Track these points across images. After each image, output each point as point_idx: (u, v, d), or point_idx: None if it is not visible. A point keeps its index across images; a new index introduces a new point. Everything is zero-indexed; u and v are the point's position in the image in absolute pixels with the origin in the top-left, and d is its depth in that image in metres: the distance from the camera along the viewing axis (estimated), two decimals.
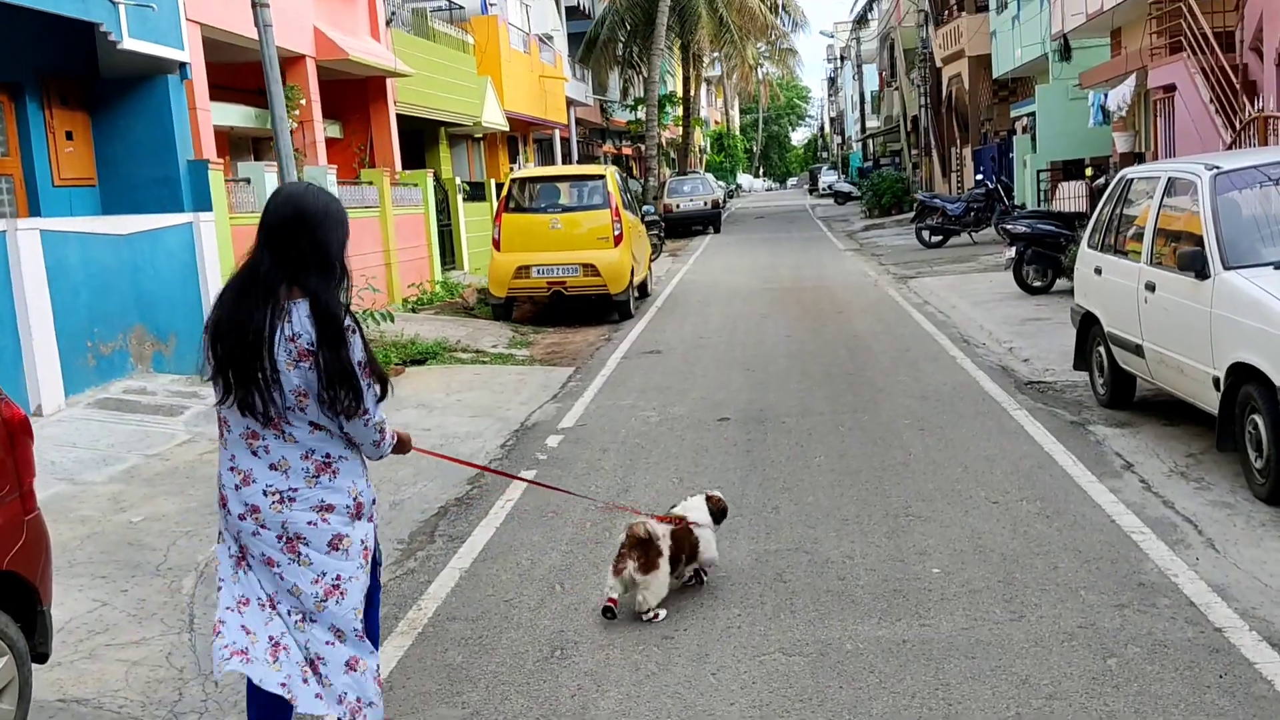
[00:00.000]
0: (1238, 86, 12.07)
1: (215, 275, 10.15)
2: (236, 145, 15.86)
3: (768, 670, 4.01)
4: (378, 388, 3.33)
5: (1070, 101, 21.77)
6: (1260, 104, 10.28)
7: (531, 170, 15.11)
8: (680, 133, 45.56)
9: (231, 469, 3.23)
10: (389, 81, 17.32)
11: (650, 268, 17.25)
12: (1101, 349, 7.69)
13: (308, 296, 3.16)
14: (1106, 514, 5.41)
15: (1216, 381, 5.79)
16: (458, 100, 20.59)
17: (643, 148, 35.81)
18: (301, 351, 3.11)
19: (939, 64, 33.45)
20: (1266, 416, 5.29)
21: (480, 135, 24.63)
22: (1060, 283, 13.44)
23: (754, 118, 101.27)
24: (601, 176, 14.26)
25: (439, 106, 19.64)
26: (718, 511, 4.91)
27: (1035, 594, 4.50)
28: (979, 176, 21.56)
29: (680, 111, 44.88)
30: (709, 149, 74.49)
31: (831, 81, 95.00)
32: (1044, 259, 13.32)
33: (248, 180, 11.68)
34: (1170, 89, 14.54)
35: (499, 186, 18.30)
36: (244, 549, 3.25)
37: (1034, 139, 23.17)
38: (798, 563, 5.03)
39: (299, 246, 3.18)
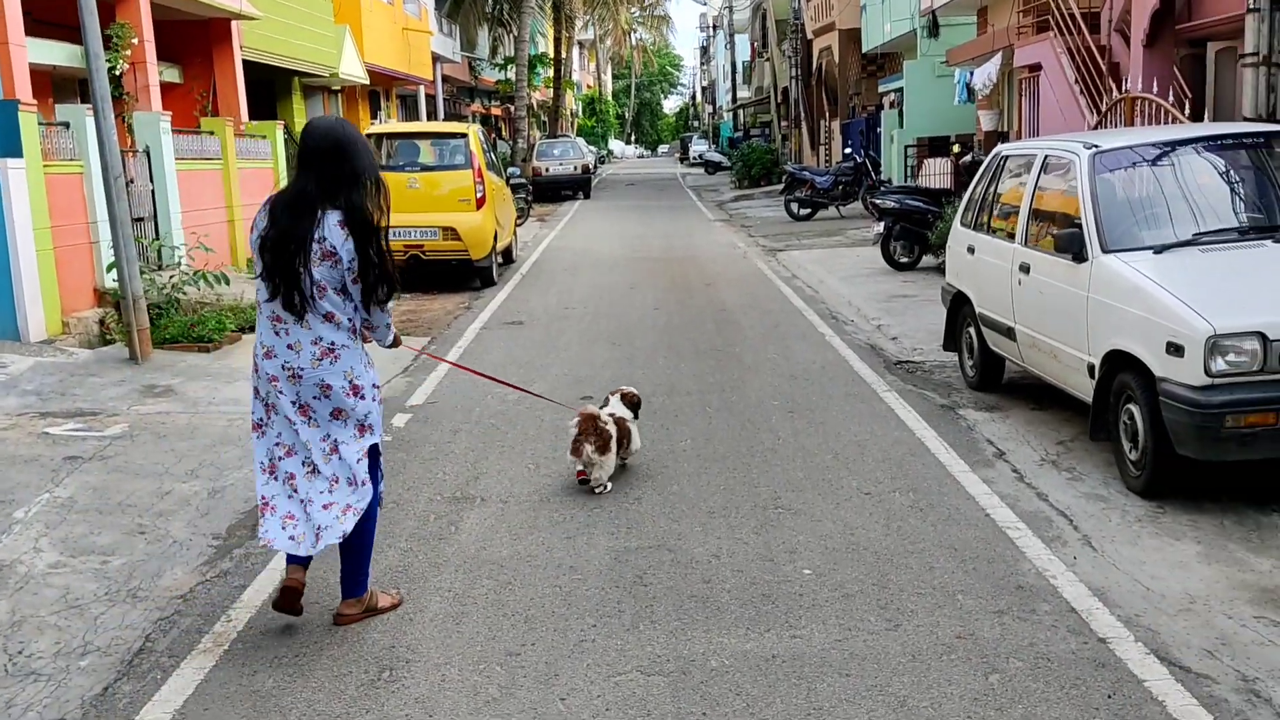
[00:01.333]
0: (1103, 68, 12.16)
1: (26, 227, 9.11)
2: (62, 88, 14.52)
3: (624, 694, 3.57)
4: (391, 279, 3.97)
5: (937, 79, 21.97)
6: (1127, 85, 10.32)
7: (389, 125, 14.29)
8: (551, 95, 44.68)
9: (260, 342, 3.99)
10: (234, 24, 16.10)
11: (516, 233, 16.61)
12: (972, 330, 7.51)
13: (340, 209, 3.82)
14: (980, 507, 5.16)
15: (1091, 369, 5.61)
16: (312, 49, 19.42)
17: (512, 108, 34.85)
18: (325, 252, 3.80)
19: (810, 36, 33.52)
20: (1143, 407, 5.11)
21: (338, 88, 23.41)
22: (927, 259, 13.43)
23: (626, 83, 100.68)
24: (464, 135, 13.53)
25: (291, 55, 18.47)
26: (633, 405, 6.02)
27: (911, 599, 4.19)
28: (847, 150, 21.59)
29: (551, 73, 43.99)
30: (581, 113, 73.62)
31: (704, 50, 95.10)
32: (911, 235, 13.26)
33: (66, 125, 10.56)
34: (1036, 68, 14.65)
35: None
36: (269, 406, 4.01)
37: (901, 115, 23.34)
38: (660, 563, 4.61)
39: (340, 170, 3.82)
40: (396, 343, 4.43)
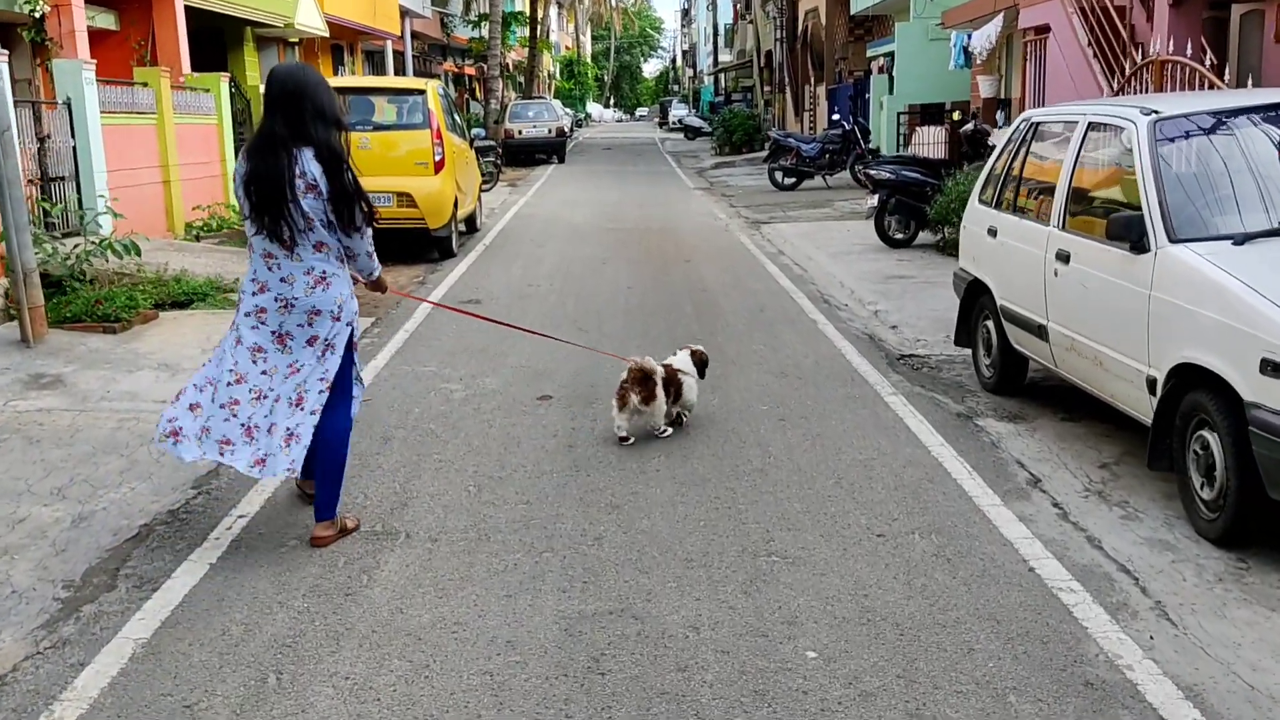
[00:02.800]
0: (1121, 29, 11.13)
1: None
2: None
3: None
4: (364, 206, 4.28)
5: (930, 42, 20.83)
6: (1156, 48, 9.30)
7: (339, 80, 13.05)
8: (527, 55, 43.20)
9: (253, 279, 4.24)
10: None
11: (480, 199, 15.46)
12: (990, 325, 6.52)
13: (311, 145, 4.11)
14: (1021, 556, 4.18)
15: (1152, 383, 4.62)
16: None
17: (485, 68, 33.44)
18: (308, 185, 4.10)
19: None
20: (1224, 436, 4.13)
21: (295, 40, 22.02)
22: (923, 235, 12.43)
23: (606, 45, 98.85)
24: (422, 91, 12.34)
25: (241, 2, 17.13)
26: (700, 364, 5.98)
27: (949, 700, 3.20)
28: (835, 117, 20.51)
29: (527, 32, 42.49)
30: (559, 75, 71.96)
31: (685, 13, 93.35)
32: (907, 209, 12.24)
33: None
34: (1043, 30, 13.59)
35: None
36: (239, 339, 4.28)
37: (891, 80, 22.24)
38: (623, 637, 3.60)
39: (303, 111, 4.11)
40: (381, 285, 4.69)
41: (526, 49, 43.23)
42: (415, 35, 32.92)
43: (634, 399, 5.46)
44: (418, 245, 12.56)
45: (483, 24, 35.58)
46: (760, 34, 38.69)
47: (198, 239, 12.63)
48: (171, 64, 14.87)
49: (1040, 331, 5.73)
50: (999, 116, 16.25)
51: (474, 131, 16.01)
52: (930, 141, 18.28)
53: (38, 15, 11.63)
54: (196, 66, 16.12)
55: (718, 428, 5.82)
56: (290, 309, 4.21)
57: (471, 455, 5.45)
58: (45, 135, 10.65)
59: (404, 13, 29.57)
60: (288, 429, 4.22)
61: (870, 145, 19.80)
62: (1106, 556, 4.19)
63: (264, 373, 4.24)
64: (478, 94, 42.77)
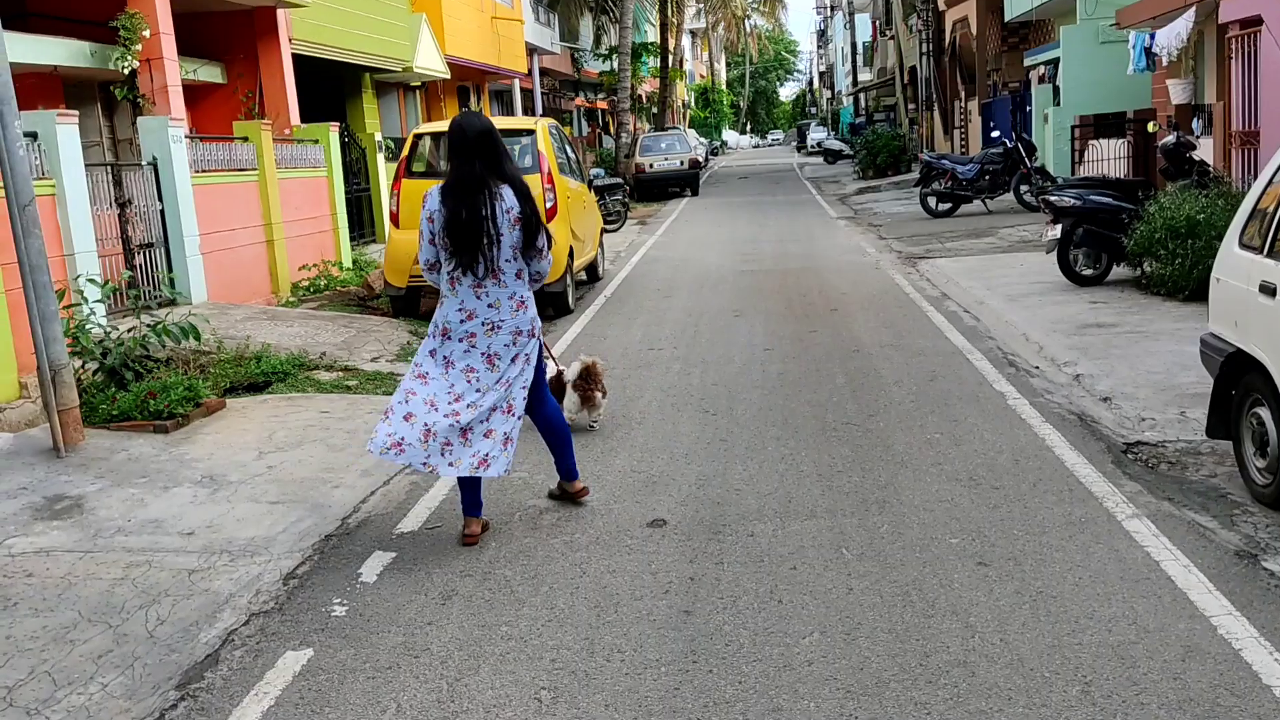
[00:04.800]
0: None
1: None
2: (80, 94, 12.66)
3: None
4: (546, 232, 4.82)
5: (1101, 45, 18.63)
6: None
7: (438, 124, 11.97)
8: (659, 85, 42.18)
9: (459, 309, 4.74)
10: (280, 12, 14.07)
11: (602, 244, 14.16)
12: (1266, 414, 4.72)
13: (508, 182, 4.68)
14: None
15: None
16: (380, 40, 17.34)
17: (616, 101, 32.46)
18: (515, 219, 4.68)
19: (942, 7, 30.19)
20: None
21: (418, 84, 21.37)
22: (1117, 270, 10.46)
23: (741, 72, 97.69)
24: (530, 132, 11.12)
25: (353, 47, 16.41)
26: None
27: None
28: (995, 134, 18.49)
29: (658, 62, 41.49)
30: (693, 104, 70.94)
31: (821, 33, 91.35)
32: (1098, 240, 10.31)
33: (33, 136, 8.54)
34: (1252, 23, 11.46)
35: None
36: (450, 362, 4.77)
37: (1056, 90, 20.07)
38: None
39: (498, 151, 4.70)
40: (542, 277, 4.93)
41: (658, 80, 42.26)
42: (544, 72, 32.25)
43: (598, 396, 6.48)
44: None
45: (613, 56, 34.71)
46: (903, 49, 36.61)
47: (295, 303, 11.69)
48: (279, 115, 14.15)
49: None
50: (1195, 126, 14.04)
51: (593, 172, 14.76)
52: (1109, 157, 16.18)
53: (126, 71, 10.92)
54: (315, 116, 15.42)
55: (892, 576, 4.21)
56: (497, 331, 4.73)
57: (552, 628, 3.99)
58: (125, 200, 9.83)
59: (531, 50, 28.88)
60: (505, 434, 4.76)
61: (1036, 163, 17.70)
62: None
63: (478, 390, 4.72)
64: (610, 128, 41.97)
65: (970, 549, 4.44)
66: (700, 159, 32.92)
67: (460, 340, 4.71)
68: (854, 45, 55.77)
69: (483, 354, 4.72)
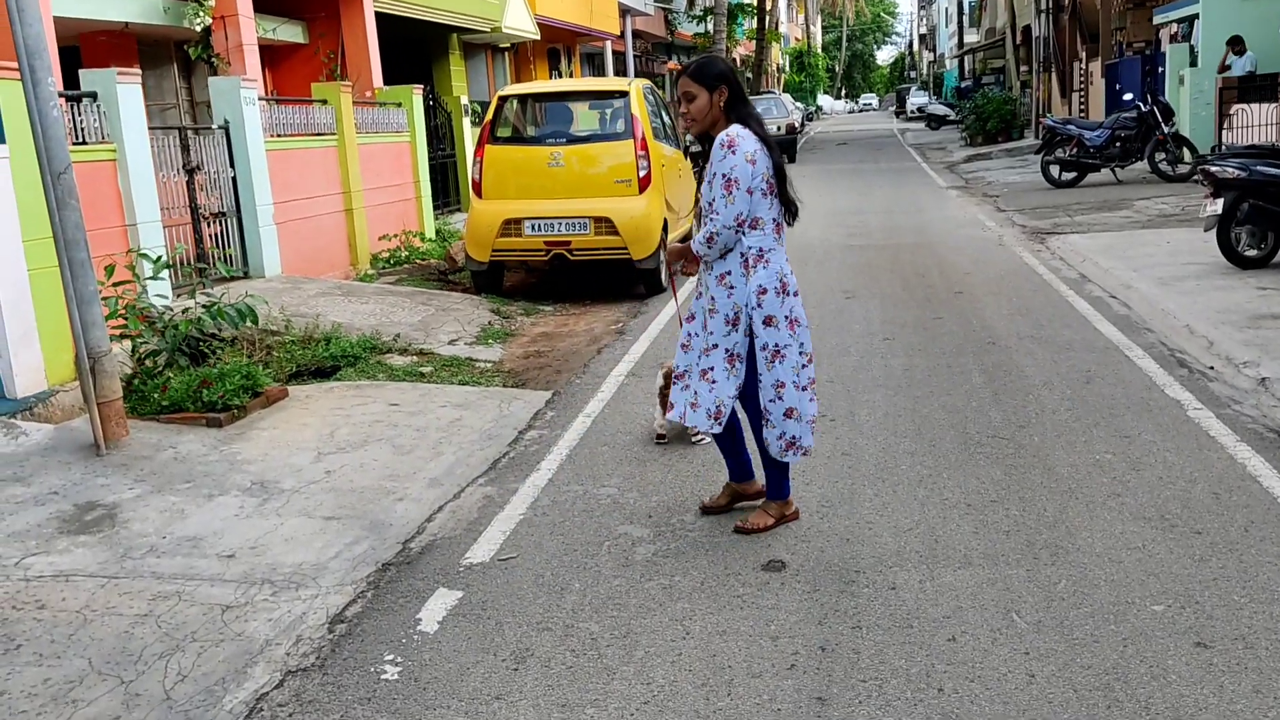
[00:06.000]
0: None
1: (11, 238, 6.36)
2: (152, 53, 12.18)
3: None
4: None
5: (1244, 2, 17.01)
6: None
7: (526, 86, 11.17)
8: (754, 48, 40.80)
9: (787, 259, 4.29)
10: None
11: None
12: None
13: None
14: None
15: None
16: (469, 0, 16.59)
17: None
18: None
19: None
20: None
21: (506, 45, 20.61)
22: None
23: (837, 35, 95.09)
24: (624, 94, 10.24)
25: (440, 6, 15.69)
26: None
27: None
28: (1128, 96, 16.95)
29: (754, 24, 40.12)
30: (788, 68, 69.09)
31: None
32: (1267, 217, 9.04)
33: (92, 96, 7.95)
34: None
35: None
36: (794, 321, 4.26)
37: (1193, 51, 18.42)
38: None
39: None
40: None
41: (754, 42, 40.89)
42: (637, 34, 31.27)
43: None
44: (621, 280, 10.51)
45: (708, 18, 33.52)
46: (1016, 7, 34.63)
47: (369, 277, 11.04)
48: (361, 77, 13.52)
49: None
50: None
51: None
52: (1260, 123, 14.67)
53: (198, 29, 10.33)
54: (399, 79, 14.79)
55: (1084, 659, 3.28)
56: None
57: (649, 713, 3.17)
58: (194, 166, 9.24)
59: (624, 10, 27.92)
60: (813, 415, 4.37)
61: (1174, 128, 16.19)
62: None
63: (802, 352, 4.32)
64: None
65: (1181, 621, 3.48)
66: (797, 124, 31.59)
67: (796, 294, 4.28)
68: (960, 5, 53.40)
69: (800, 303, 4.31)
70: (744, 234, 4.16)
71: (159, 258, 6.71)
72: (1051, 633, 3.46)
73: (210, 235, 9.55)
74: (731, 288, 4.20)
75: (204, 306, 6.62)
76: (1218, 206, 9.10)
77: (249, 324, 6.61)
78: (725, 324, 4.24)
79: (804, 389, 4.28)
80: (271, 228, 10.06)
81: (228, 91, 9.77)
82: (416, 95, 13.61)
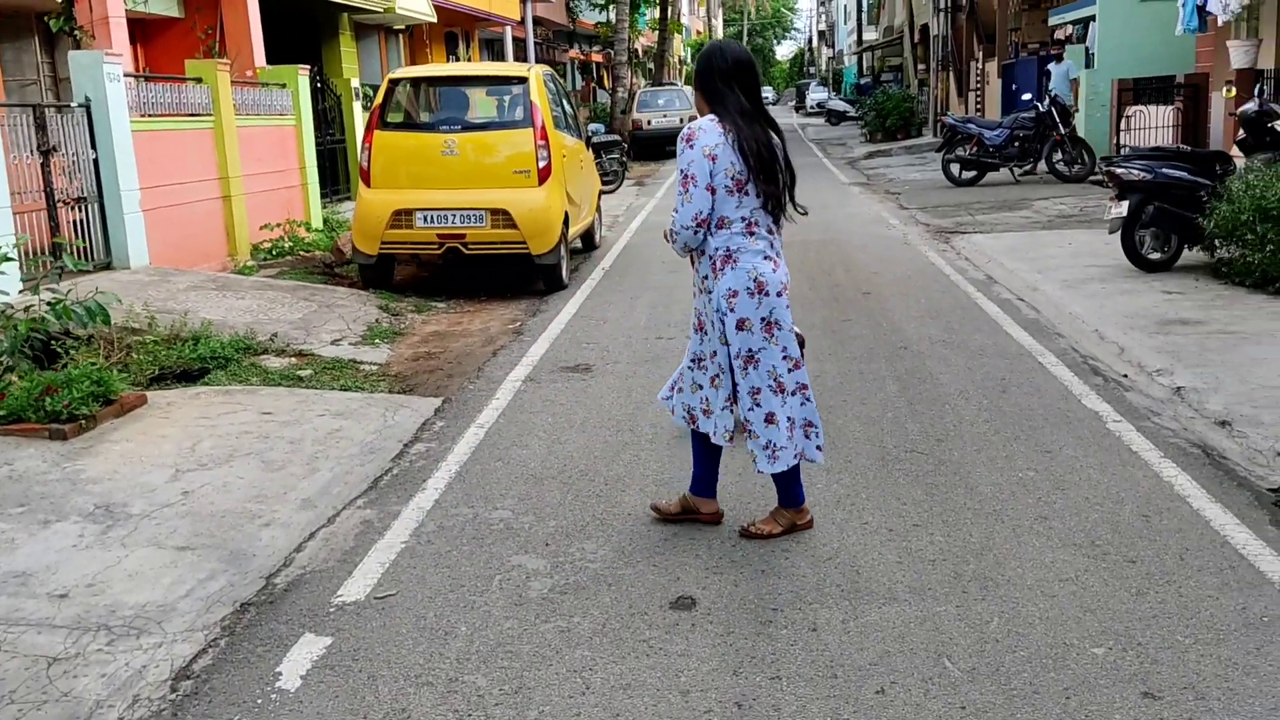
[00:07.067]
0: None
1: None
2: (11, 25, 11.23)
3: None
4: None
5: (1140, 3, 17.31)
6: None
7: (419, 69, 10.59)
8: (656, 39, 40.47)
9: (766, 258, 3.91)
10: None
11: (600, 209, 12.81)
12: None
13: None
14: None
15: None
16: None
17: (612, 54, 30.85)
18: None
19: None
20: None
21: (402, 28, 19.84)
22: (1187, 254, 9.20)
23: (738, 29, 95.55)
24: (523, 80, 9.73)
25: None
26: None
27: None
28: (1026, 96, 17.08)
29: (657, 14, 39.76)
30: (689, 60, 69.07)
31: None
32: (1171, 220, 9.03)
33: None
34: None
35: None
36: (773, 324, 3.91)
37: (1088, 53, 18.70)
38: None
39: (756, 82, 3.97)
40: None
41: (656, 33, 40.56)
42: (538, 21, 30.60)
43: None
44: (519, 275, 10.03)
45: (610, 7, 33.03)
46: (914, 6, 35.03)
47: (247, 270, 10.33)
48: (242, 55, 12.72)
49: None
50: (1257, 91, 12.72)
51: (591, 127, 13.37)
52: (1156, 125, 14.90)
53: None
54: (284, 58, 13.99)
55: (1024, 713, 2.96)
56: (786, 289, 4.02)
57: None
58: (50, 147, 8.45)
59: None
60: (806, 419, 4.10)
61: (1070, 128, 16.36)
62: None
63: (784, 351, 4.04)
64: (605, 82, 40.32)
65: (1125, 666, 3.19)
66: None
67: (779, 295, 3.92)
68: (859, 2, 53.98)
69: (786, 307, 3.96)
70: (711, 234, 3.89)
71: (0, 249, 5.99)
72: (987, 681, 3.14)
73: (69, 223, 8.75)
74: (708, 293, 3.98)
75: (48, 304, 5.93)
76: (1123, 209, 9.05)
77: (100, 323, 5.93)
78: (695, 330, 4.11)
79: (792, 393, 4.00)
80: (138, 215, 9.30)
81: (89, 67, 8.96)
82: (302, 76, 12.86)
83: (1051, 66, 18.20)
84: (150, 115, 9.83)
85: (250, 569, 4.13)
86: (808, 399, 4.06)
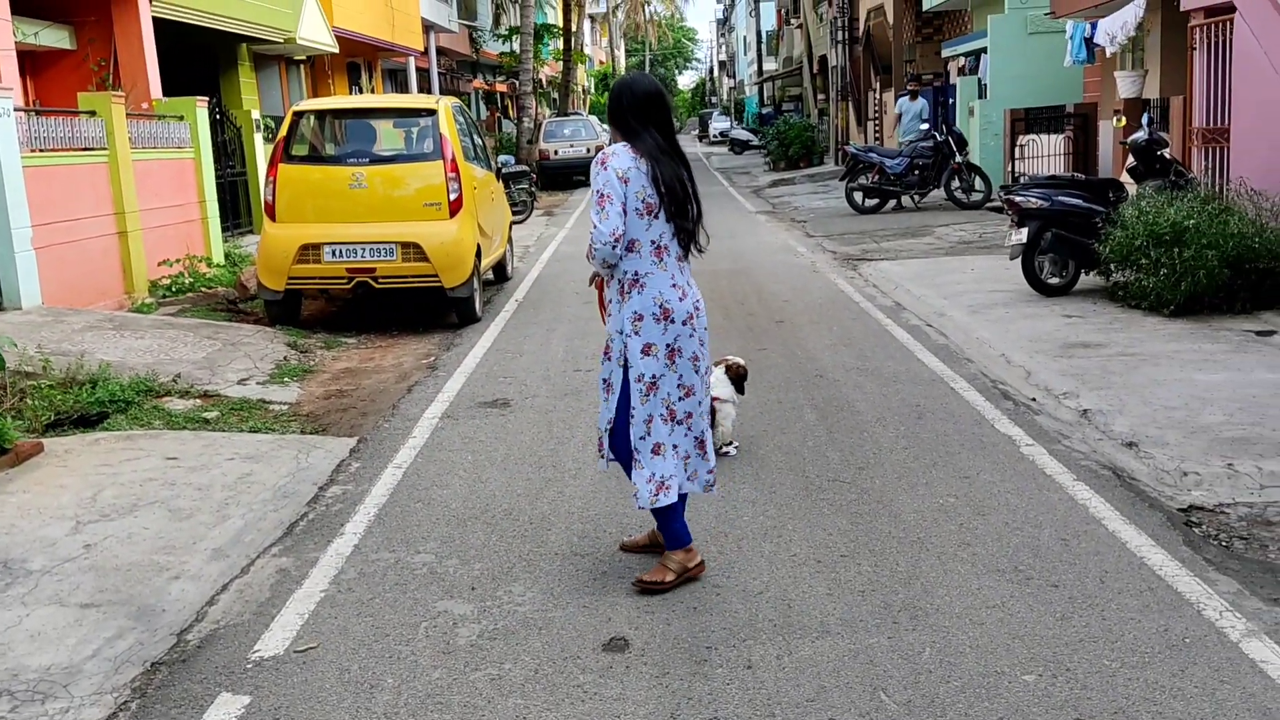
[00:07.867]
0: None
1: None
2: None
3: None
4: None
5: (1030, 35, 17.98)
6: None
7: (324, 101, 10.41)
8: (561, 69, 40.63)
9: (673, 285, 3.95)
10: None
11: (511, 240, 12.73)
12: None
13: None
14: None
15: None
16: (258, 7, 15.54)
17: (517, 84, 30.85)
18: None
19: None
20: None
21: (303, 58, 19.53)
22: (1084, 279, 9.52)
23: (640, 59, 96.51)
24: (431, 112, 9.63)
25: (227, 13, 14.59)
26: (736, 379, 5.59)
27: None
28: (924, 126, 17.57)
29: (560, 45, 39.93)
30: (593, 89, 69.45)
31: (724, 21, 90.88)
32: (1068, 246, 9.33)
33: None
34: (1219, 11, 10.66)
35: None
36: (675, 351, 3.96)
37: (981, 83, 19.33)
38: None
39: (669, 115, 4.02)
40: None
41: (560, 63, 40.72)
42: (441, 51, 30.45)
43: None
44: (431, 309, 9.88)
45: (514, 37, 33.07)
46: (813, 38, 35.83)
47: (145, 308, 9.98)
48: (138, 87, 12.34)
49: None
50: (1143, 121, 13.29)
51: (501, 159, 13.30)
52: (1047, 153, 15.43)
53: None
54: (181, 90, 13.60)
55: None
56: (699, 313, 4.06)
57: None
58: None
59: (428, 27, 27.11)
60: (697, 438, 4.11)
61: (967, 157, 16.85)
62: None
63: (704, 384, 4.11)
64: (510, 112, 40.29)
65: (1056, 693, 3.24)
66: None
67: (684, 323, 3.95)
68: (759, 33, 55.01)
69: (700, 341, 4.02)
70: (622, 257, 3.92)
71: None
72: (923, 713, 3.15)
73: None
74: (612, 316, 4.02)
75: None
76: (1022, 235, 9.33)
77: None
78: (603, 353, 4.08)
79: (679, 422, 4.00)
80: (29, 253, 8.92)
81: None
82: (201, 108, 12.53)
83: (904, 102, 18.86)
84: (42, 150, 9.46)
85: (160, 625, 3.95)
86: (692, 431, 4.04)
